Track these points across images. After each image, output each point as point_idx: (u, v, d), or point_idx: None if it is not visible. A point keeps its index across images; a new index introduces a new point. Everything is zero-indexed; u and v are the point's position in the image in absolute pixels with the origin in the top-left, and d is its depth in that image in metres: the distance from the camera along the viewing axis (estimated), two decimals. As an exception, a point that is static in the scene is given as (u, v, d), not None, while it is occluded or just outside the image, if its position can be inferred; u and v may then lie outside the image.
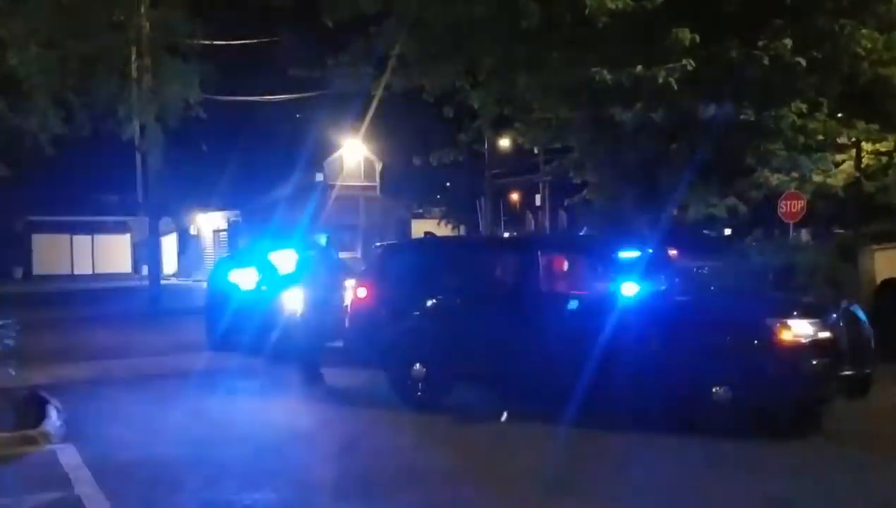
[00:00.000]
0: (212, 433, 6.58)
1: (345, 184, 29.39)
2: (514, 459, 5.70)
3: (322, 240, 9.89)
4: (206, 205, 32.24)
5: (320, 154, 29.79)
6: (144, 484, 5.20)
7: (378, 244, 9.34)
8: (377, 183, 30.99)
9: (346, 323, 8.03)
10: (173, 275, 33.23)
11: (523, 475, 5.28)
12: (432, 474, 5.35)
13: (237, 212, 32.20)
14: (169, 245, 33.19)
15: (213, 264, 15.63)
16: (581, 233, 20.80)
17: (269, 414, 7.30)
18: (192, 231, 35.73)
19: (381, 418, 7.13)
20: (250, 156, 28.76)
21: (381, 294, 7.90)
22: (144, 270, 21.98)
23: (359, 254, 25.88)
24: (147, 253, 21.54)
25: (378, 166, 30.81)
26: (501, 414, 6.93)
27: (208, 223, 34.15)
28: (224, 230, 33.21)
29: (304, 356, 8.67)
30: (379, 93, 13.82)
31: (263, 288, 10.77)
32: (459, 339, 7.20)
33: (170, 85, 16.71)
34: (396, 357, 7.43)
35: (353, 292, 8.04)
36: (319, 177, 30.29)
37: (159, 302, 19.42)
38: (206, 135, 20.64)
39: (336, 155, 29.97)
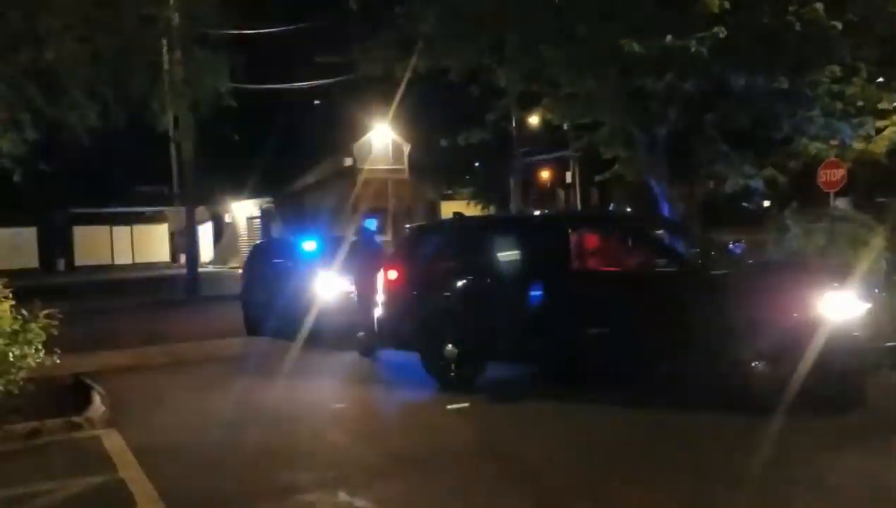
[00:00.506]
0: (250, 416, 6.70)
1: (373, 167, 29.45)
2: (547, 441, 5.69)
3: (371, 225, 10.03)
4: (240, 193, 32.62)
5: (349, 139, 29.88)
6: (186, 467, 5.33)
7: (408, 226, 9.34)
8: (405, 165, 30.98)
9: (378, 306, 8.06)
10: (210, 263, 33.77)
11: (556, 458, 5.25)
12: (466, 454, 5.38)
13: (269, 199, 32.54)
14: (205, 233, 33.71)
15: (249, 251, 15.80)
16: (609, 209, 20.55)
17: (306, 396, 7.39)
18: (227, 219, 36.22)
19: (414, 399, 7.18)
20: (281, 144, 28.97)
21: (411, 275, 7.91)
22: (182, 258, 22.37)
23: (389, 238, 26.00)
24: (184, 241, 21.89)
25: (406, 149, 30.78)
26: (533, 393, 6.93)
27: (242, 211, 34.57)
28: (257, 217, 33.60)
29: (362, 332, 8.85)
30: (406, 76, 13.76)
31: (298, 273, 10.86)
32: (490, 319, 7.19)
33: (201, 75, 16.87)
34: (428, 337, 7.45)
35: (384, 274, 8.07)
36: (348, 161, 30.39)
37: (197, 289, 19.77)
38: (237, 124, 20.80)
39: (364, 139, 30.02)
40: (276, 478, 4.98)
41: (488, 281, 7.42)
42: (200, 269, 22.16)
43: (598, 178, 16.41)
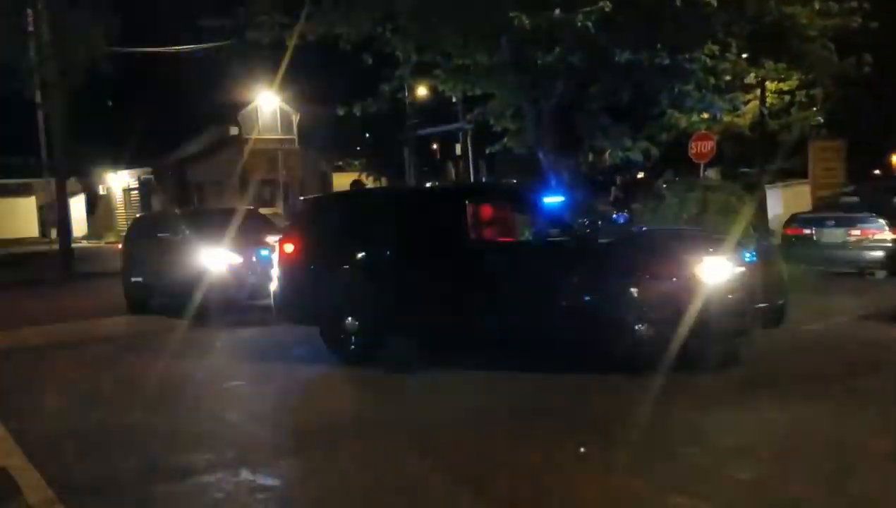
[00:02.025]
0: (140, 397, 6.41)
1: (261, 137, 28.49)
2: (447, 408, 5.79)
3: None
4: (116, 164, 30.71)
5: (234, 107, 28.69)
6: (75, 453, 5.06)
7: (302, 198, 9.15)
8: (295, 135, 30.18)
9: (274, 279, 7.89)
10: (83, 238, 31.70)
11: (455, 424, 5.37)
12: (368, 426, 5.40)
13: (148, 169, 30.84)
14: (77, 206, 31.53)
15: (130, 224, 14.99)
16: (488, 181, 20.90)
17: (198, 375, 7.16)
18: (102, 190, 34.07)
19: (314, 374, 7.11)
20: (160, 111, 27.42)
21: (308, 248, 7.78)
22: (53, 233, 20.85)
23: (280, 210, 25.35)
24: (54, 215, 20.41)
25: (295, 118, 29.96)
26: (432, 364, 7.05)
27: (118, 182, 32.60)
28: (135, 189, 31.80)
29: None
30: (292, 43, 13.33)
31: (184, 247, 10.42)
32: (390, 292, 7.21)
33: (73, 39, 15.60)
34: (328, 311, 7.38)
35: (280, 247, 7.89)
36: (234, 130, 29.24)
37: (71, 266, 18.56)
38: (112, 91, 19.49)
39: (250, 107, 28.92)
40: (173, 460, 4.81)
41: (387, 253, 7.42)
42: (74, 245, 20.79)
43: (488, 150, 16.69)
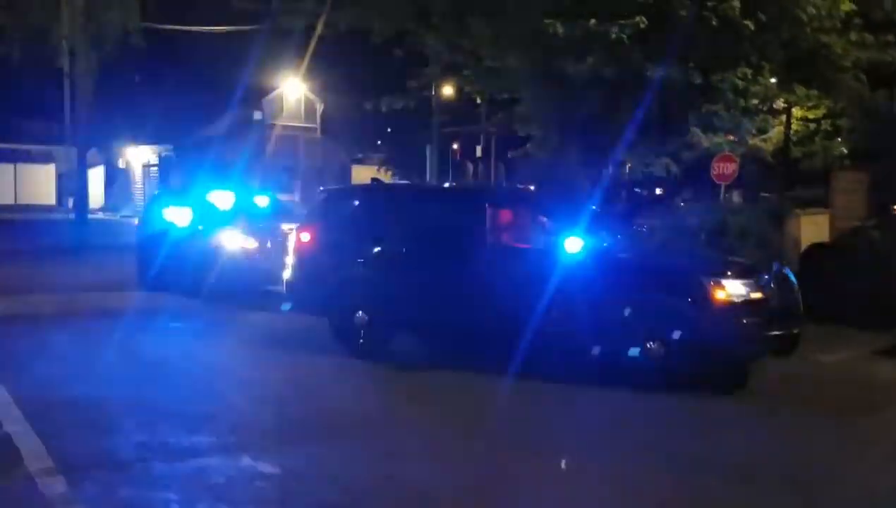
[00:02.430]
0: (146, 373, 6.43)
1: (284, 123, 28.60)
2: (452, 408, 5.78)
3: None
4: (137, 139, 30.90)
5: (260, 91, 28.80)
6: (77, 424, 5.06)
7: (323, 188, 9.16)
8: (318, 124, 30.28)
9: (288, 268, 7.89)
10: (100, 210, 31.93)
11: (457, 424, 5.35)
12: (370, 421, 5.38)
13: (169, 146, 31.02)
14: (96, 178, 31.76)
15: (147, 200, 15.08)
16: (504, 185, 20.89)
17: (207, 357, 7.16)
18: (121, 164, 34.29)
19: (321, 364, 7.07)
20: (186, 90, 27.55)
21: (324, 239, 7.79)
22: (70, 203, 21.01)
23: (297, 197, 25.42)
24: (73, 185, 20.57)
25: (320, 107, 30.06)
26: (441, 364, 7.03)
27: (138, 157, 32.81)
28: (155, 165, 32.00)
29: None
30: (318, 31, 13.37)
31: (200, 227, 10.45)
32: (403, 288, 7.19)
33: (107, 9, 15.69)
34: (339, 304, 7.38)
35: (297, 236, 7.90)
36: (258, 115, 29.35)
37: (86, 236, 18.66)
38: (140, 66, 19.57)
39: (275, 93, 29.03)
40: (175, 441, 4.81)
41: (403, 250, 7.40)
42: (90, 216, 20.94)
43: (510, 155, 16.66)
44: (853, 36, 11.35)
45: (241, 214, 10.45)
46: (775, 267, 6.95)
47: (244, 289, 9.44)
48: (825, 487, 4.40)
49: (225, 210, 10.64)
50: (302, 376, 6.71)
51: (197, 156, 30.13)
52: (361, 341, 7.29)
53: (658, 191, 23.04)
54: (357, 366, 6.92)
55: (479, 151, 31.69)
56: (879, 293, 9.25)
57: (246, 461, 4.51)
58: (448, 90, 25.70)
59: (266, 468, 4.46)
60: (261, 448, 4.73)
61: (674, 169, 13.57)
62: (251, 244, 9.96)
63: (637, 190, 21.64)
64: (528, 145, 14.36)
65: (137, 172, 33.24)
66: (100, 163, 33.18)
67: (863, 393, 6.60)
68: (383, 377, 6.64)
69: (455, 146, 36.77)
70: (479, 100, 21.41)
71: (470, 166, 34.74)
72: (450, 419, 5.47)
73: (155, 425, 5.10)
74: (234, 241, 9.95)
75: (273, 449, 4.77)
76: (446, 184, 22.73)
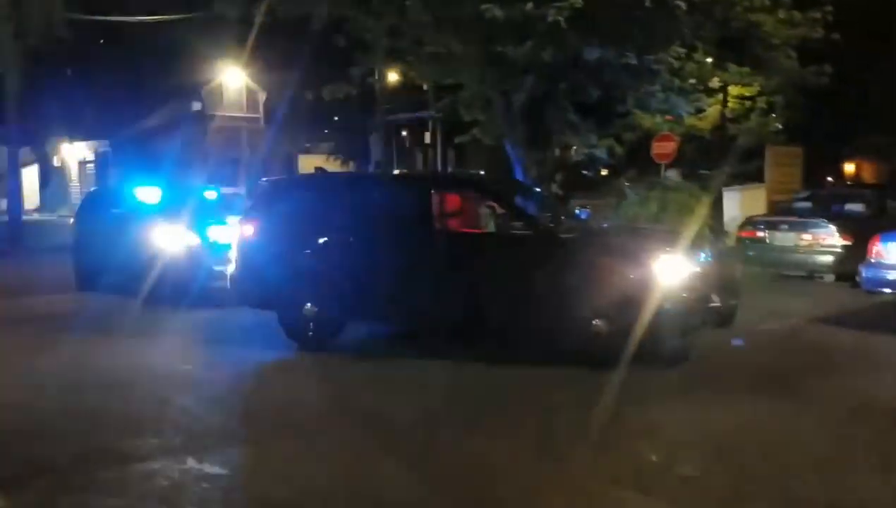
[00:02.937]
0: (85, 379, 6.23)
1: (226, 114, 27.98)
2: (406, 397, 5.77)
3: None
4: (72, 135, 29.83)
5: (199, 82, 28.08)
6: (13, 433, 4.90)
7: (265, 179, 8.98)
8: (261, 114, 29.71)
9: (232, 262, 7.75)
10: (35, 211, 30.80)
11: (412, 414, 5.34)
12: (320, 415, 5.32)
13: (106, 142, 30.05)
14: (30, 177, 30.59)
15: (82, 198, 14.58)
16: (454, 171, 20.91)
17: (149, 358, 6.98)
18: (56, 162, 33.09)
19: (269, 359, 6.99)
20: (121, 83, 26.66)
21: (268, 231, 7.66)
22: (3, 204, 20.22)
23: (242, 190, 24.94)
24: (6, 186, 19.79)
25: (262, 97, 29.48)
26: (392, 353, 7.02)
27: (74, 154, 31.72)
28: (91, 162, 30.98)
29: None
30: (260, 20, 13.10)
31: (138, 223, 10.16)
32: (352, 278, 7.13)
33: (30, 1, 15.03)
34: (286, 296, 7.27)
35: (239, 229, 7.75)
36: (197, 106, 28.63)
37: (20, 238, 18.00)
38: (72, 59, 18.81)
39: (215, 83, 28.34)
40: (117, 445, 4.67)
41: (350, 239, 7.33)
42: (25, 217, 20.18)
43: (457, 140, 16.67)
44: (782, 14, 11.67)
45: (182, 209, 10.19)
46: (711, 240, 7.14)
47: (187, 287, 9.23)
48: (764, 454, 4.54)
49: (163, 205, 10.36)
50: (249, 372, 6.62)
51: (135, 150, 29.26)
52: (311, 333, 7.21)
53: (604, 171, 23.41)
54: (306, 359, 6.86)
55: (427, 138, 31.57)
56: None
57: (191, 462, 4.43)
58: (394, 77, 25.53)
59: (212, 469, 4.39)
60: (207, 449, 4.64)
61: (618, 149, 13.81)
62: (193, 240, 9.73)
63: (584, 171, 21.95)
64: (474, 130, 14.39)
65: (74, 170, 32.14)
66: (34, 162, 31.97)
67: (800, 358, 6.85)
68: (334, 368, 6.59)
69: (404, 133, 36.58)
70: (425, 87, 21.34)
71: (420, 153, 34.64)
72: (404, 408, 5.46)
73: (95, 431, 4.96)
74: (174, 237, 9.71)
75: (219, 450, 4.69)
76: (400, 172, 22.61)
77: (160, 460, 4.46)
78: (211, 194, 11.02)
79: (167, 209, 10.14)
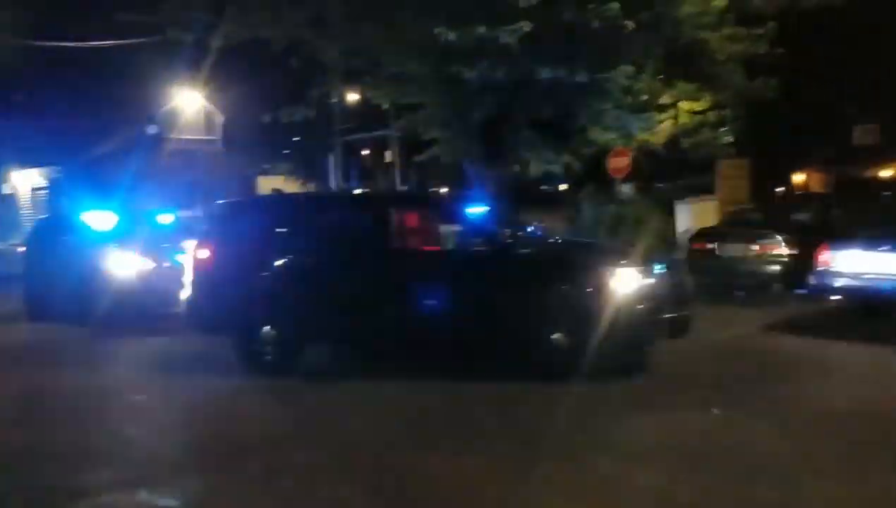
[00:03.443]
0: (36, 411, 6.08)
1: (182, 137, 27.64)
2: (363, 419, 5.73)
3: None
4: (24, 162, 29.10)
5: (154, 105, 27.72)
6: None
7: (220, 201, 8.88)
8: (218, 137, 29.41)
9: (187, 287, 7.63)
10: (-14, 239, 29.91)
11: (374, 437, 5.30)
12: (276, 441, 5.24)
13: (59, 168, 29.39)
14: (-21, 205, 29.77)
15: (32, 226, 14.22)
16: (408, 189, 20.98)
17: (100, 389, 6.82)
18: (7, 190, 32.23)
19: (225, 386, 6.86)
20: (74, 108, 26.16)
21: (224, 254, 7.56)
22: (-50, 234, 19.62)
23: (200, 212, 24.61)
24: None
25: (219, 119, 29.21)
26: (351, 375, 6.98)
27: (26, 181, 30.92)
28: (44, 188, 30.24)
29: None
30: (217, 43, 13.04)
31: (91, 250, 9.95)
32: (310, 299, 7.08)
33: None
34: (243, 320, 7.16)
35: (194, 253, 7.64)
36: (153, 129, 28.22)
37: (-31, 269, 17.43)
38: (22, 85, 18.38)
39: (171, 106, 28.00)
40: (68, 480, 4.53)
41: (307, 260, 7.29)
42: (-26, 246, 19.59)
43: (417, 159, 16.73)
44: (727, 31, 12.02)
45: (135, 234, 10.02)
46: (664, 252, 7.28)
47: (141, 314, 9.05)
48: (723, 462, 4.61)
49: (116, 230, 10.17)
50: (204, 400, 6.49)
51: (89, 176, 28.63)
52: (268, 357, 7.12)
53: (562, 187, 23.70)
54: (263, 385, 6.76)
55: (388, 156, 31.63)
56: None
57: (143, 495, 4.34)
58: (353, 96, 25.55)
59: (166, 501, 4.32)
60: (160, 481, 4.55)
61: (575, 165, 14.01)
62: (147, 265, 9.57)
63: (543, 187, 22.18)
64: (433, 149, 14.47)
65: (25, 197, 31.33)
66: (-17, 190, 31.13)
67: (753, 366, 7.00)
68: (291, 393, 6.51)
69: (364, 152, 36.56)
70: (384, 106, 21.41)
71: (380, 173, 34.66)
72: (361, 431, 5.41)
73: (45, 465, 4.83)
74: (127, 264, 9.53)
75: (173, 481, 4.60)
76: (357, 191, 22.54)
77: (111, 494, 4.36)
78: (166, 218, 10.86)
79: (120, 234, 9.96)
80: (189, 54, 20.07)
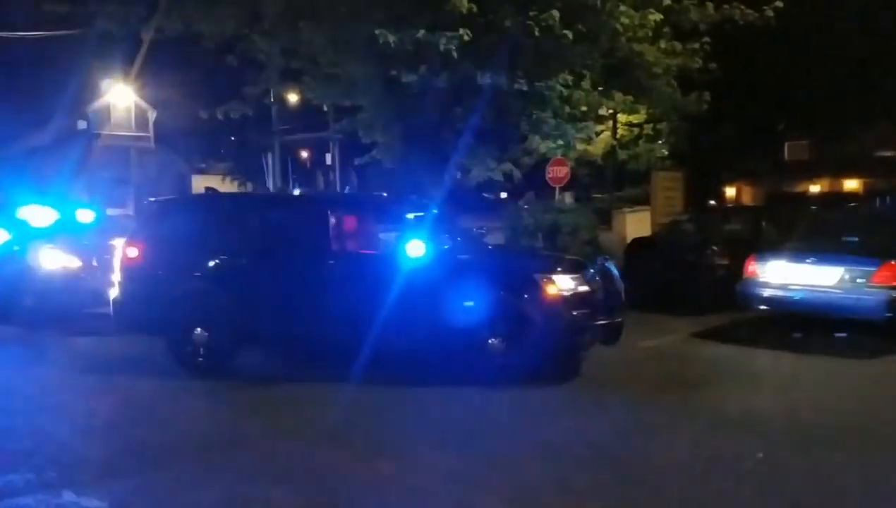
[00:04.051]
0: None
1: (113, 133, 26.76)
2: (296, 421, 5.68)
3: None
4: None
5: (83, 100, 26.75)
6: None
7: (151, 199, 8.64)
8: (151, 133, 28.59)
9: (116, 286, 7.39)
10: None
11: (300, 437, 5.25)
12: (207, 443, 5.16)
13: (-16, 162, 28.04)
14: None
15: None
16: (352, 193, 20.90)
17: (26, 388, 6.57)
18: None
19: (155, 387, 6.68)
20: (1, 101, 25.00)
21: (155, 253, 7.37)
22: None
23: (131, 210, 23.88)
24: None
25: (152, 116, 28.40)
26: (285, 377, 6.89)
27: (-56, 175, 29.38)
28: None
29: None
30: (149, 37, 12.70)
31: (16, 247, 9.54)
32: (245, 301, 6.97)
33: None
34: (176, 321, 7.01)
35: (124, 251, 7.41)
36: (82, 124, 27.25)
37: None
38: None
39: (102, 101, 27.08)
40: (-15, 483, 4.37)
41: (243, 261, 7.17)
42: None
43: (357, 162, 16.63)
44: (663, 44, 12.40)
45: (64, 231, 9.66)
46: (599, 260, 7.46)
47: (68, 313, 8.73)
48: (651, 464, 4.76)
49: (44, 227, 9.79)
50: (134, 401, 6.31)
51: (16, 171, 27.42)
52: (201, 359, 6.99)
53: (503, 194, 24.00)
54: (195, 386, 6.61)
55: (328, 158, 31.37)
56: (689, 281, 10.21)
57: (68, 496, 4.19)
58: (293, 97, 25.25)
59: (90, 502, 4.17)
60: (85, 483, 4.40)
61: (516, 173, 14.19)
62: (74, 263, 9.24)
63: (484, 194, 22.39)
64: (373, 152, 14.40)
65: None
66: None
67: (682, 373, 7.22)
68: (224, 395, 6.38)
69: (304, 153, 36.14)
70: (325, 107, 21.22)
71: (320, 174, 34.33)
72: (293, 433, 5.36)
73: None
74: (53, 261, 9.18)
75: (99, 483, 4.45)
76: (295, 192, 22.23)
77: (34, 495, 4.21)
78: (86, 215, 10.44)
79: (46, 231, 9.58)
80: (121, 48, 19.48)
